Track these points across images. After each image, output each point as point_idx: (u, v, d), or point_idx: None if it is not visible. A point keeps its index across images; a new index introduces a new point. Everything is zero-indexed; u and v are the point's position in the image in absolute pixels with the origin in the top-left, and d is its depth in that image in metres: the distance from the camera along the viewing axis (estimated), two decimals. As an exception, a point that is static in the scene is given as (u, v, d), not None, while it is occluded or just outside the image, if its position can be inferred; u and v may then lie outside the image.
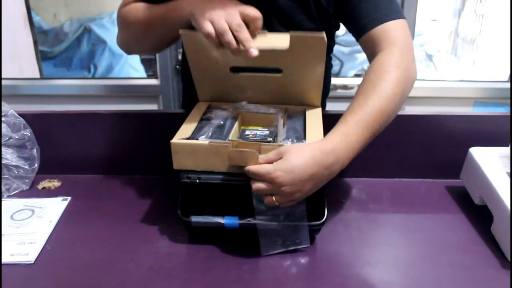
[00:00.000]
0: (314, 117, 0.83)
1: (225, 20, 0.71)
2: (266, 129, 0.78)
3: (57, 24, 3.08)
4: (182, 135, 0.74)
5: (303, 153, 0.66)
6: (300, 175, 0.65)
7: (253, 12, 0.73)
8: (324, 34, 0.74)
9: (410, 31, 0.81)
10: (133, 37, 0.90)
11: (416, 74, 0.79)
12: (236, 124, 0.80)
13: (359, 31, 0.82)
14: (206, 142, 0.71)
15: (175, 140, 0.73)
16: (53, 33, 3.00)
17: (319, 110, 0.86)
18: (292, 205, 0.70)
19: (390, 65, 0.75)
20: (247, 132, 0.76)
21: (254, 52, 0.69)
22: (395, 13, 0.80)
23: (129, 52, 0.95)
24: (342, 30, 0.97)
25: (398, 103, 0.74)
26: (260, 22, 0.73)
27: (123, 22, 0.90)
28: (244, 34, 0.70)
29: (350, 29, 0.87)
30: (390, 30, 0.79)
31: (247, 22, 0.72)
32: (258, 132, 0.77)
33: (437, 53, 2.84)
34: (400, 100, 0.75)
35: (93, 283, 0.68)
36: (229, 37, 0.70)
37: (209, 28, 0.70)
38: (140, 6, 0.88)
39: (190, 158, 0.72)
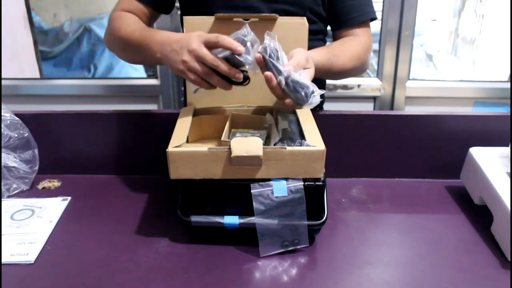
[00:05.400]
0: (306, 118, 0.82)
1: (196, 60, 0.72)
2: (257, 131, 0.78)
3: (57, 24, 3.07)
4: (177, 143, 0.72)
5: None
6: None
7: (212, 35, 0.72)
8: (305, 19, 0.84)
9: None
10: (115, 45, 0.95)
11: (367, 66, 1.02)
12: (227, 127, 0.79)
13: (338, 24, 1.00)
14: (205, 148, 0.69)
15: (171, 148, 0.70)
16: (53, 33, 3.00)
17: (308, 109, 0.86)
18: (292, 205, 0.70)
19: (357, 42, 0.97)
20: (237, 135, 0.76)
21: (241, 75, 0.72)
22: (371, 13, 0.99)
23: (113, 51, 0.98)
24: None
25: (352, 66, 0.95)
26: (222, 39, 0.72)
27: (110, 26, 0.95)
28: (222, 66, 0.72)
29: (328, 20, 1.02)
30: (362, 29, 0.99)
31: (213, 46, 0.73)
32: (249, 135, 0.76)
33: (437, 53, 2.84)
34: (354, 65, 0.95)
35: (93, 283, 0.68)
36: (215, 79, 0.73)
37: (191, 76, 0.73)
38: (127, 20, 0.93)
39: (189, 167, 0.70)
